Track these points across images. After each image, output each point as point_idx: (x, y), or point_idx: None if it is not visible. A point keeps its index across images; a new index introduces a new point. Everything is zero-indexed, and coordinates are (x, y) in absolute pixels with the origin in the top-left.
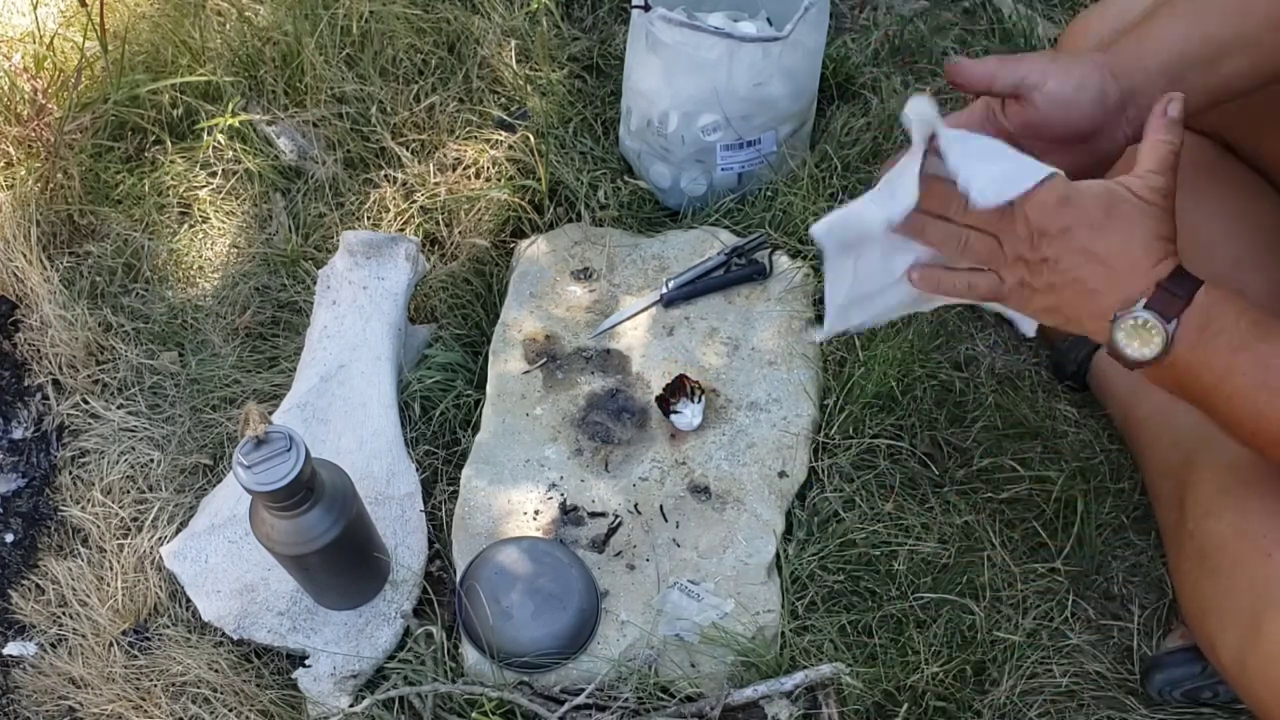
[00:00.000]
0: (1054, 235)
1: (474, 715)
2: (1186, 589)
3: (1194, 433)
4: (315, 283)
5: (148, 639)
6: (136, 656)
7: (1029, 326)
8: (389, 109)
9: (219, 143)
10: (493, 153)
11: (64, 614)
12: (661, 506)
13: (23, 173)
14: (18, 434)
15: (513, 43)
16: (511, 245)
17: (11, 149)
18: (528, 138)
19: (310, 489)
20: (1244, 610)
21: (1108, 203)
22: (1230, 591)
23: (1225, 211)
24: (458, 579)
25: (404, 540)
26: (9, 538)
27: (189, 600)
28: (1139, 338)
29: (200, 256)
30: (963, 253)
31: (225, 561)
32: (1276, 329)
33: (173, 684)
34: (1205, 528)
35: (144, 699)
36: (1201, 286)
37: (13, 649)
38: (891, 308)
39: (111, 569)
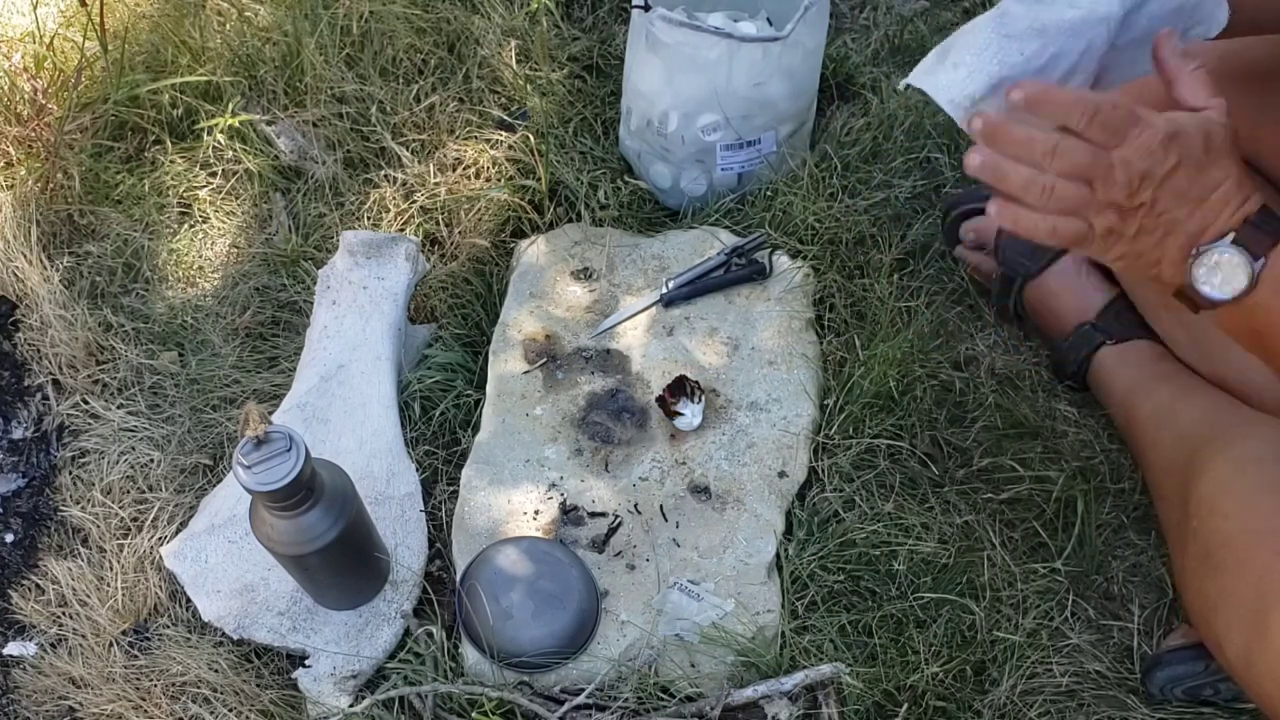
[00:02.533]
0: (1158, 178)
1: (474, 715)
2: (1191, 587)
3: (1199, 430)
4: (315, 283)
5: (148, 639)
6: (136, 656)
7: None
8: (389, 109)
9: (219, 143)
10: (493, 153)
11: (64, 614)
12: (661, 506)
13: (23, 173)
14: (18, 434)
15: (513, 43)
16: (511, 245)
17: (11, 149)
18: (528, 138)
19: (310, 489)
20: (1251, 607)
21: (1206, 136)
22: (1236, 589)
23: None
24: (458, 579)
25: (404, 540)
26: (9, 538)
27: (189, 600)
28: (1221, 274)
29: (200, 256)
30: (1049, 202)
31: (225, 561)
32: None
33: (173, 684)
34: (1211, 525)
35: (144, 699)
36: None
37: (13, 649)
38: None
39: (111, 569)
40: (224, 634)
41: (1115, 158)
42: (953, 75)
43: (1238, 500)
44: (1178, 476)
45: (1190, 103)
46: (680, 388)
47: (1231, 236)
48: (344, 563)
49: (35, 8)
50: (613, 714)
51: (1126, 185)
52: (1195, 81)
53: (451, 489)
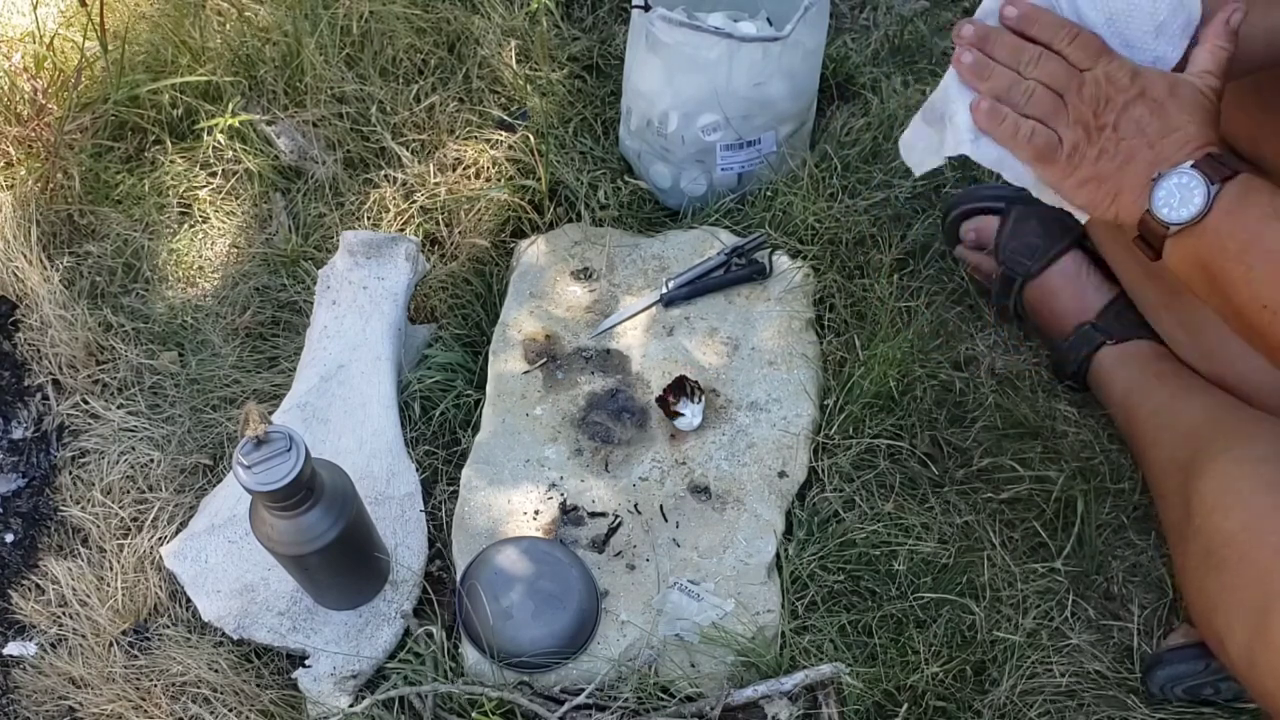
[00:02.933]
0: (1120, 104)
1: (474, 715)
2: (1193, 586)
3: (1200, 430)
4: (315, 283)
5: (148, 639)
6: (136, 656)
7: (1081, 215)
8: (389, 109)
9: (219, 143)
10: (493, 153)
11: (64, 614)
12: (661, 506)
13: (23, 173)
14: (18, 434)
15: (513, 43)
16: (511, 245)
17: (11, 149)
18: (528, 138)
19: (310, 489)
20: (1252, 605)
21: (1172, 83)
22: (1238, 587)
23: None
24: (458, 579)
25: (404, 540)
26: (9, 538)
27: (189, 600)
28: (1179, 195)
29: (200, 256)
30: (1028, 103)
31: (225, 561)
32: None
33: (173, 684)
34: (1212, 524)
35: (144, 699)
36: (1244, 168)
37: (13, 649)
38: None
39: (111, 569)
40: (224, 634)
41: (1086, 76)
42: (960, 126)
43: (1240, 499)
44: (1178, 476)
45: (1190, 64)
46: (680, 388)
47: (1190, 163)
48: (344, 563)
49: (35, 8)
50: (613, 714)
51: (1093, 101)
52: (1206, 53)
53: (451, 489)
